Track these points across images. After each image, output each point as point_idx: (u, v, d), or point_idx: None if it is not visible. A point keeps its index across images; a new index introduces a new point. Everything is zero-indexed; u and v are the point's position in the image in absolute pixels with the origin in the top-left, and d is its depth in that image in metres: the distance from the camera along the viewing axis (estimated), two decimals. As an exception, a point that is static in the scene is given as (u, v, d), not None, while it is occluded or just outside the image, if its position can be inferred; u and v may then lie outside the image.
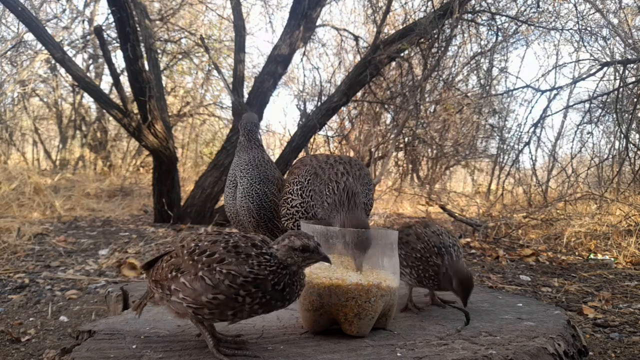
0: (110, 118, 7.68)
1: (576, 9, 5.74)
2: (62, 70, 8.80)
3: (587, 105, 6.34)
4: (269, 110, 25.53)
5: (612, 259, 4.41)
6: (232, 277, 1.24)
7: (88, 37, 9.36)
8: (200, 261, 1.27)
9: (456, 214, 5.86)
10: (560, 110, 7.59)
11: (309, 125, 5.76)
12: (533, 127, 6.28)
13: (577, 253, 4.76)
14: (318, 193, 1.75)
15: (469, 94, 7.44)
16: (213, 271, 1.24)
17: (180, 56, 9.47)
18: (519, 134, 7.13)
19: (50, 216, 6.05)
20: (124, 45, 5.04)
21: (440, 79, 7.01)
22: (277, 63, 6.10)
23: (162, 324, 1.56)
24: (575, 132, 7.34)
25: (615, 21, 6.02)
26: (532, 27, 6.26)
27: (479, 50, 6.31)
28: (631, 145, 6.06)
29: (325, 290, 1.43)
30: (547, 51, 16.53)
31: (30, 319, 2.80)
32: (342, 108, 7.31)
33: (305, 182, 1.83)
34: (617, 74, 6.05)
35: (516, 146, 7.09)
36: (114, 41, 7.85)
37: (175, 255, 1.33)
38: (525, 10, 5.94)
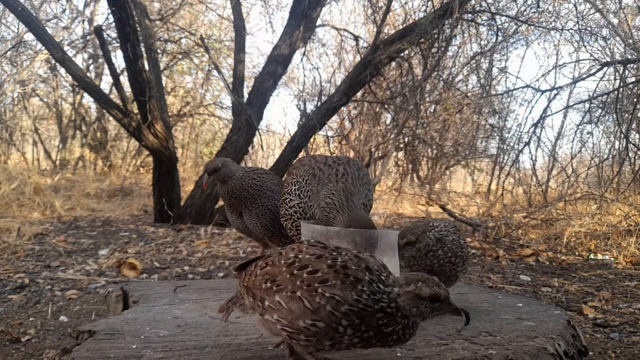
0: (110, 118, 7.68)
1: (576, 9, 5.74)
2: (62, 70, 8.80)
3: (587, 105, 6.35)
4: (269, 110, 25.53)
5: (612, 259, 4.41)
6: (335, 303, 1.06)
7: (88, 37, 9.36)
8: (299, 277, 1.10)
9: (456, 214, 5.86)
10: (560, 110, 7.60)
11: (309, 125, 5.76)
12: (533, 127, 6.28)
13: (577, 253, 4.76)
14: (316, 193, 1.75)
15: (469, 94, 7.44)
16: (313, 292, 1.07)
17: (180, 56, 9.46)
18: (519, 134, 7.14)
19: (50, 216, 6.05)
20: (124, 45, 5.04)
21: (440, 79, 7.01)
22: (277, 63, 6.10)
23: (162, 324, 1.56)
24: (575, 132, 7.35)
25: (615, 21, 6.02)
26: (532, 27, 6.27)
27: (479, 50, 6.31)
28: (631, 145, 6.06)
29: (325, 290, 1.43)
30: (547, 51, 16.55)
31: (30, 319, 2.80)
32: (342, 108, 7.31)
33: (303, 183, 1.83)
34: (617, 74, 6.05)
35: (516, 146, 7.10)
36: (114, 41, 7.85)
37: (272, 264, 1.18)
38: (525, 10, 5.94)
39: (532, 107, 11.67)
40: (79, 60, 9.74)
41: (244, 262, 1.30)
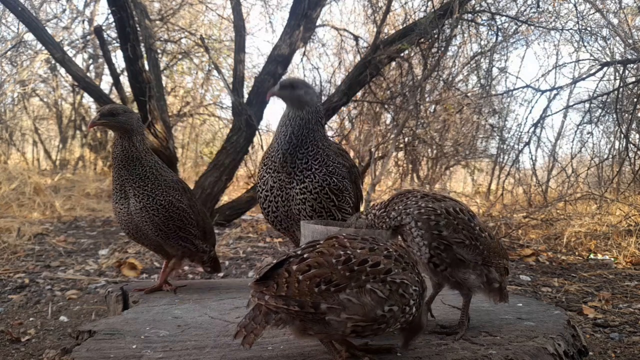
0: (110, 118, 7.65)
1: (576, 9, 5.74)
2: (62, 70, 8.80)
3: (587, 105, 6.34)
4: (269, 110, 25.53)
5: (612, 259, 4.41)
6: (405, 287, 1.18)
7: (88, 37, 9.36)
8: (363, 272, 1.15)
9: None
10: (560, 110, 7.58)
11: (309, 125, 5.75)
12: (533, 127, 6.28)
13: (577, 253, 4.76)
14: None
15: (469, 94, 7.44)
16: (381, 282, 1.15)
17: (180, 56, 9.46)
18: (519, 134, 7.13)
19: (50, 216, 6.05)
20: (124, 45, 5.03)
21: (440, 79, 7.01)
22: (277, 63, 6.09)
23: (162, 324, 1.56)
24: (575, 132, 7.33)
25: (615, 21, 6.02)
26: (532, 27, 6.27)
27: (479, 50, 6.31)
28: (631, 145, 6.05)
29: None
30: (547, 51, 16.56)
31: (30, 319, 2.80)
32: (342, 108, 7.31)
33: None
34: (617, 74, 6.04)
35: (516, 146, 7.09)
36: (114, 41, 7.85)
37: (317, 266, 1.16)
38: (525, 10, 5.94)
39: (532, 107, 11.64)
40: (79, 60, 9.74)
41: (265, 273, 1.21)
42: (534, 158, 6.80)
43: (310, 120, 1.90)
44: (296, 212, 1.92)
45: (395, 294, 1.16)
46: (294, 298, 1.14)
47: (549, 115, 6.29)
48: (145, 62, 5.84)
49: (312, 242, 1.24)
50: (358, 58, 6.83)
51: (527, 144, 6.41)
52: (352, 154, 10.11)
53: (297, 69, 9.00)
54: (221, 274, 3.76)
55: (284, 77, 2.23)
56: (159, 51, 8.21)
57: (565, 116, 8.54)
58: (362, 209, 2.20)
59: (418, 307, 1.23)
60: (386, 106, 7.64)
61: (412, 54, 6.50)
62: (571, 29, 5.93)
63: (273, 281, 1.18)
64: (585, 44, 6.03)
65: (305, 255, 1.19)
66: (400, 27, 6.46)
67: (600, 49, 6.50)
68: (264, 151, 2.19)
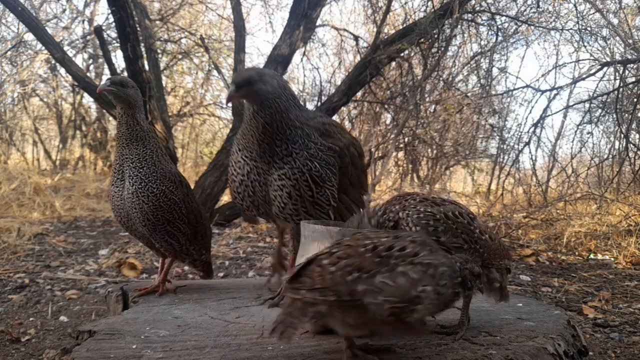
0: (110, 118, 7.67)
1: (576, 9, 5.74)
2: (62, 70, 8.80)
3: (587, 105, 6.35)
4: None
5: (612, 259, 4.41)
6: (434, 267, 1.21)
7: (88, 37, 9.36)
8: (391, 257, 1.20)
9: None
10: (560, 110, 7.59)
11: (309, 125, 5.75)
12: (533, 127, 6.29)
13: (577, 253, 4.76)
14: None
15: (469, 94, 7.44)
16: (413, 264, 1.19)
17: (180, 56, 9.47)
18: (519, 134, 7.14)
19: (50, 216, 6.05)
20: (124, 45, 5.04)
21: (440, 79, 7.01)
22: (277, 63, 6.09)
23: (162, 324, 1.56)
24: (575, 132, 7.33)
25: (615, 21, 6.02)
26: (532, 27, 6.27)
27: (479, 50, 6.31)
28: (631, 145, 6.06)
29: (325, 290, 1.43)
30: (547, 51, 16.54)
31: (30, 319, 2.80)
32: (342, 108, 7.31)
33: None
34: (617, 74, 6.05)
35: (516, 146, 7.09)
36: (114, 41, 7.85)
37: (347, 256, 1.21)
38: (525, 10, 5.94)
39: (532, 107, 11.65)
40: (79, 60, 9.74)
41: (297, 272, 1.24)
42: (534, 158, 6.81)
43: (280, 105, 1.76)
44: (273, 198, 1.80)
45: (426, 275, 1.19)
46: (330, 288, 1.17)
47: (549, 115, 6.30)
48: (145, 62, 5.85)
49: (338, 241, 1.29)
50: (358, 58, 6.83)
51: (527, 144, 6.42)
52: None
53: (297, 69, 9.01)
54: (221, 274, 3.76)
55: (237, 74, 2.09)
56: (159, 51, 8.21)
57: (565, 116, 8.54)
58: (370, 201, 2.07)
59: (455, 287, 1.24)
60: (386, 106, 7.64)
61: (412, 54, 6.50)
62: (571, 29, 5.94)
63: (306, 277, 1.21)
64: (585, 44, 6.04)
65: (333, 250, 1.24)
66: (400, 27, 6.46)
67: (600, 49, 6.51)
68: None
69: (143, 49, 5.80)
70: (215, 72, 9.59)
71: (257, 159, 1.77)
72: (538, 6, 5.69)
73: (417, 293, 1.18)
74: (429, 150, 9.17)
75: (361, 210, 1.62)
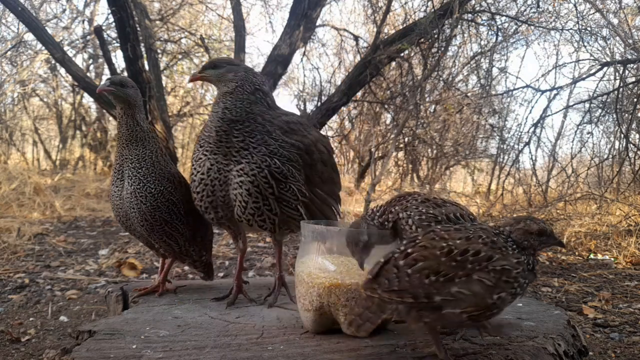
0: (110, 118, 7.68)
1: (576, 9, 5.74)
2: (62, 70, 8.80)
3: (587, 105, 6.35)
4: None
5: (612, 259, 4.41)
6: (507, 272, 1.21)
7: (88, 37, 9.36)
8: (467, 261, 1.21)
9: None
10: (560, 110, 7.59)
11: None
12: (533, 127, 6.29)
13: (577, 253, 4.76)
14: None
15: (469, 94, 7.44)
16: (486, 270, 1.20)
17: (180, 56, 9.47)
18: (519, 134, 7.14)
19: (50, 216, 6.05)
20: (124, 45, 5.04)
21: (440, 79, 7.01)
22: (277, 63, 6.10)
23: (162, 324, 1.56)
24: (575, 132, 7.33)
25: (615, 21, 6.02)
26: (532, 27, 6.27)
27: (479, 50, 6.32)
28: (631, 145, 6.06)
29: (325, 290, 1.43)
30: (547, 51, 16.56)
31: (30, 319, 2.80)
32: (342, 108, 7.31)
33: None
34: (617, 74, 6.05)
35: (516, 146, 7.09)
36: (114, 41, 7.85)
37: (423, 258, 1.23)
38: (525, 10, 5.95)
39: (532, 107, 11.66)
40: (79, 60, 9.75)
41: (377, 271, 1.27)
42: (534, 158, 6.81)
43: (244, 93, 1.76)
44: (233, 197, 1.74)
45: (500, 282, 1.20)
46: (407, 290, 1.21)
47: (549, 115, 6.30)
48: (145, 62, 5.85)
49: (412, 238, 1.30)
50: (358, 58, 6.84)
51: (527, 144, 6.42)
52: (352, 154, 10.12)
53: (297, 69, 9.01)
54: (221, 274, 3.76)
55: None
56: (159, 51, 8.21)
57: (565, 116, 8.55)
58: (341, 208, 2.01)
59: (524, 286, 1.26)
60: (386, 106, 7.64)
61: (412, 54, 6.50)
62: (571, 29, 5.94)
63: (383, 277, 1.25)
64: (585, 44, 6.04)
65: (409, 251, 1.25)
66: (400, 27, 6.47)
67: (600, 49, 6.51)
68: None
69: (143, 49, 5.80)
70: (215, 72, 9.58)
71: (216, 151, 1.72)
72: (538, 6, 5.70)
73: (493, 300, 1.20)
74: (429, 150, 9.17)
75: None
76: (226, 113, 1.73)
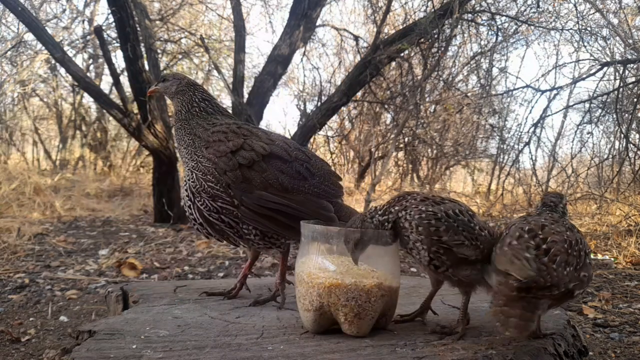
0: (110, 118, 7.67)
1: (576, 9, 5.74)
2: (62, 70, 8.80)
3: (587, 105, 6.34)
4: (269, 110, 25.54)
5: (612, 259, 4.41)
6: (589, 254, 1.46)
7: (88, 37, 9.36)
8: (581, 250, 1.42)
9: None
10: (560, 110, 7.58)
11: (309, 125, 5.76)
12: (533, 127, 6.28)
13: (577, 253, 4.75)
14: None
15: (469, 94, 7.44)
16: (587, 254, 1.44)
17: (180, 56, 9.46)
18: (519, 134, 7.13)
19: (50, 216, 6.05)
20: (124, 45, 5.04)
21: (440, 79, 7.02)
22: (277, 63, 6.10)
23: (162, 324, 1.56)
24: (575, 132, 7.32)
25: (615, 21, 6.02)
26: (532, 27, 6.27)
27: (479, 50, 6.31)
28: (631, 145, 6.05)
29: (325, 290, 1.43)
30: (547, 51, 16.53)
31: (30, 319, 2.80)
32: (342, 108, 7.31)
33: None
34: (617, 74, 6.04)
35: (516, 146, 7.09)
36: (114, 41, 7.85)
37: (559, 253, 1.38)
38: (525, 10, 5.94)
39: (532, 107, 11.63)
40: (79, 60, 9.74)
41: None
42: (534, 158, 6.80)
43: (181, 110, 1.90)
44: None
45: (587, 264, 1.42)
46: (556, 285, 1.35)
47: (549, 115, 6.29)
48: (145, 62, 5.85)
49: (532, 234, 1.42)
50: (358, 58, 6.84)
51: (527, 144, 6.41)
52: (352, 154, 10.11)
53: (297, 69, 9.01)
54: (221, 274, 3.76)
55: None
56: (159, 51, 8.21)
57: (565, 116, 8.54)
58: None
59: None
60: (386, 106, 7.64)
61: (412, 54, 6.51)
62: (571, 29, 5.94)
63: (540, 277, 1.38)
64: (585, 44, 6.03)
65: (545, 247, 1.39)
66: (400, 27, 6.47)
67: (600, 49, 6.50)
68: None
69: (143, 49, 5.80)
70: (215, 72, 9.58)
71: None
72: (538, 6, 5.69)
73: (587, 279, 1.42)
74: (429, 150, 9.17)
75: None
76: (176, 132, 1.91)
